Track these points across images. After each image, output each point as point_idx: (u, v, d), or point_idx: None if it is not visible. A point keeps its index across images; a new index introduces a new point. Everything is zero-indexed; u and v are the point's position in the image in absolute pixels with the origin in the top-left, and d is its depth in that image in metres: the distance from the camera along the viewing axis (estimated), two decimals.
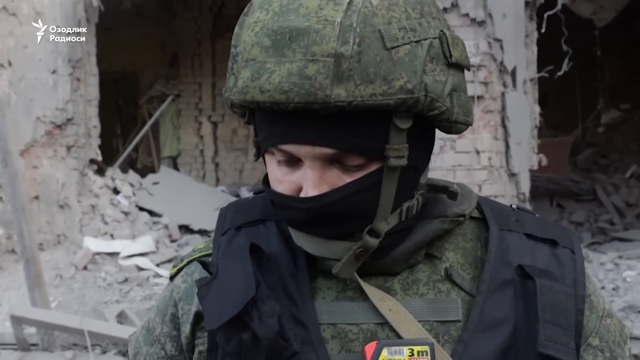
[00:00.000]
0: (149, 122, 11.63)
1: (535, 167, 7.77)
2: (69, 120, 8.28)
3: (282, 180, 1.05)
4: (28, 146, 8.21)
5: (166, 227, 8.74)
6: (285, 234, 1.13)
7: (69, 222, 8.31)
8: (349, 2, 0.98)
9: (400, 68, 0.98)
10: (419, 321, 1.08)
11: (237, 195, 10.37)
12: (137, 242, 8.18)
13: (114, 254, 7.96)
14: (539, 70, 7.72)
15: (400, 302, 1.09)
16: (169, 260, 7.92)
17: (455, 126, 1.06)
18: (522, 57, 7.39)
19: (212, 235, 1.20)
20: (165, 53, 13.14)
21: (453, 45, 1.04)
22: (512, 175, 7.38)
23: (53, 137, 8.27)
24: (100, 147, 8.94)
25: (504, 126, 7.30)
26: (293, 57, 0.97)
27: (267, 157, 1.08)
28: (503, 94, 7.26)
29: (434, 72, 1.01)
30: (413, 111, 1.01)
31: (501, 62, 7.23)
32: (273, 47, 0.98)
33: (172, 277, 1.21)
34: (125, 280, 7.50)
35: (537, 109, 7.80)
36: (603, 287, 6.66)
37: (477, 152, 7.19)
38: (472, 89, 7.10)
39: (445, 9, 7.18)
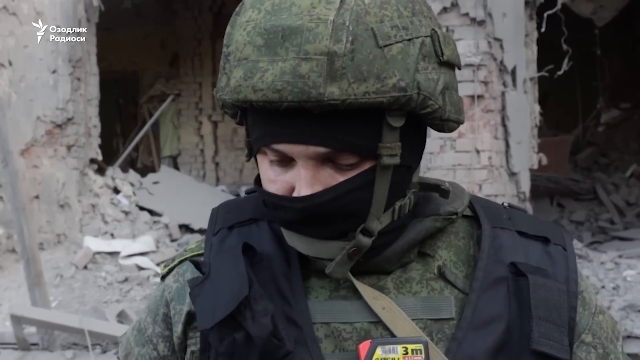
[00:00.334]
0: (149, 122, 11.63)
1: (536, 167, 7.76)
2: (69, 119, 8.29)
3: (275, 180, 1.05)
4: (28, 146, 8.22)
5: (166, 226, 8.74)
6: (277, 234, 1.13)
7: (69, 222, 8.31)
8: (341, 1, 0.98)
9: (393, 66, 0.98)
10: (412, 319, 1.08)
11: (238, 195, 10.37)
12: (137, 241, 8.18)
13: (114, 254, 7.96)
14: (539, 69, 7.71)
15: (393, 301, 1.09)
16: None
17: (447, 124, 1.06)
18: (522, 57, 7.39)
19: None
20: (165, 53, 13.14)
21: (444, 44, 1.04)
22: (512, 174, 7.38)
23: (53, 137, 8.27)
24: (101, 146, 8.94)
25: (504, 125, 7.30)
26: (286, 56, 0.97)
27: (259, 157, 1.07)
28: (503, 94, 7.25)
29: (426, 70, 1.01)
30: (406, 109, 1.01)
31: (501, 62, 7.23)
32: (266, 46, 0.98)
33: (163, 277, 1.21)
34: (126, 279, 7.50)
35: (537, 108, 7.79)
36: (603, 287, 6.65)
37: (477, 152, 7.19)
38: (472, 89, 7.10)
39: (445, 9, 7.18)
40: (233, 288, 1.04)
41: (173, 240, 8.58)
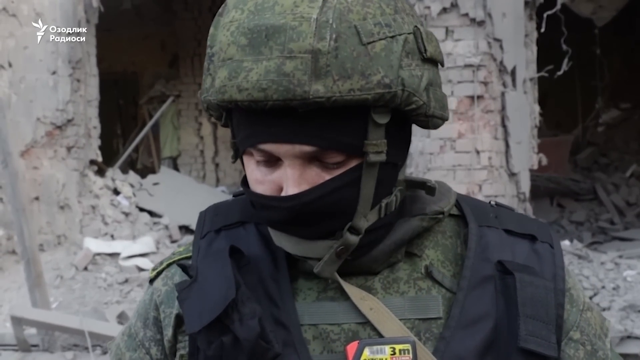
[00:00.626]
0: (149, 123, 11.63)
1: (536, 167, 7.76)
2: (69, 120, 8.29)
3: (262, 180, 1.05)
4: (28, 147, 8.22)
5: (166, 227, 8.74)
6: (265, 236, 1.13)
7: (70, 223, 8.32)
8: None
9: (377, 63, 0.99)
10: (400, 319, 1.08)
11: None
12: (137, 242, 8.19)
13: (114, 255, 7.97)
14: (539, 69, 7.71)
15: (381, 301, 1.08)
16: None
17: (432, 121, 1.07)
18: (522, 57, 7.38)
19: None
20: (165, 53, 13.15)
21: (427, 41, 1.05)
22: (512, 175, 7.38)
23: (53, 138, 8.27)
24: (101, 147, 8.95)
25: (504, 126, 7.29)
26: (270, 55, 0.97)
27: (245, 158, 1.07)
28: (503, 94, 7.25)
29: (410, 67, 1.01)
30: (391, 106, 1.01)
31: (501, 62, 7.23)
32: (250, 46, 0.98)
33: (151, 281, 1.20)
34: (126, 280, 7.50)
35: (537, 108, 7.79)
36: (603, 287, 6.65)
37: (477, 152, 7.19)
38: (472, 89, 7.10)
39: (444, 9, 7.18)
40: (220, 291, 1.04)
41: (173, 241, 8.59)
